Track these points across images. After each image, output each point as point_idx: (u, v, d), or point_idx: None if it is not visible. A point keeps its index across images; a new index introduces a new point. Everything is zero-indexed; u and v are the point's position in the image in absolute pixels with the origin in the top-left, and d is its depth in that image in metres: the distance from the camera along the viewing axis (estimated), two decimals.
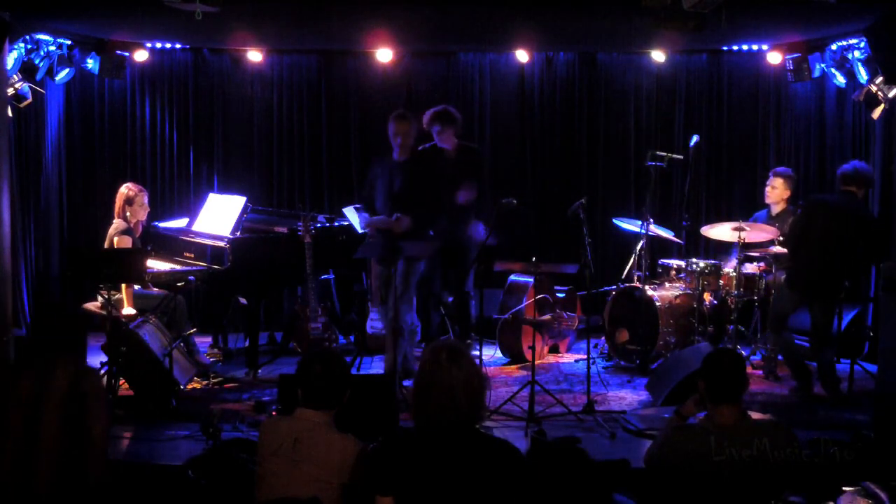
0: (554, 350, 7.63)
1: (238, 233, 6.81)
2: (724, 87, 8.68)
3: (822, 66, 7.55)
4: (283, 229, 7.00)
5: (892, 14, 5.81)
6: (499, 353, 7.39)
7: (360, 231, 6.88)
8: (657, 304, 6.89)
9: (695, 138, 7.32)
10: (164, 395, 5.73)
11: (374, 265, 6.64)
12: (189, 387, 6.23)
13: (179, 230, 7.25)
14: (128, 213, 6.84)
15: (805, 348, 6.54)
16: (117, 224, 6.81)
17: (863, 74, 6.94)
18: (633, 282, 7.34)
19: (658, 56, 8.40)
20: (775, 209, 7.17)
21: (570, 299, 7.59)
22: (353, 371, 6.34)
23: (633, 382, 6.65)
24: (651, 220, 7.25)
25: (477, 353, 6.13)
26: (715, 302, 7.06)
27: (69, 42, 7.41)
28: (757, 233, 6.76)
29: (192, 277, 6.83)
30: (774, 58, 8.00)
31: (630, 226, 7.49)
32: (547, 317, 7.28)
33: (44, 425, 3.54)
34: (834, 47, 7.33)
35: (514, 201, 6.02)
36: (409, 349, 6.39)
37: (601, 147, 8.79)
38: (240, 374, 6.70)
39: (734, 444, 3.42)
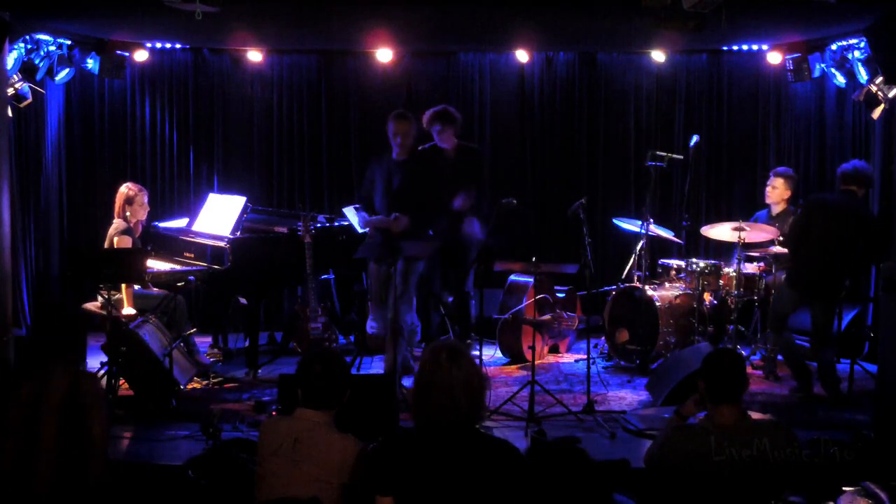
0: (554, 350, 7.63)
1: (238, 233, 6.81)
2: (724, 87, 8.68)
3: (822, 66, 7.55)
4: (283, 229, 7.00)
5: (892, 14, 5.81)
6: (499, 353, 7.39)
7: (359, 231, 6.88)
8: (657, 304, 6.89)
9: (695, 138, 7.32)
10: (164, 395, 5.73)
11: (371, 265, 6.60)
12: (189, 387, 6.23)
13: (179, 230, 7.26)
14: (128, 213, 6.84)
15: (805, 348, 6.54)
16: (117, 224, 6.81)
17: (863, 74, 6.94)
18: (633, 282, 7.34)
19: (658, 56, 8.40)
20: (776, 209, 7.17)
21: (570, 299, 7.59)
22: (353, 371, 6.33)
23: (633, 382, 6.65)
24: (651, 220, 7.25)
25: (477, 353, 6.13)
26: (715, 302, 7.06)
27: (69, 42, 7.41)
28: (757, 233, 6.77)
29: (192, 277, 6.84)
30: (774, 58, 8.00)
31: (630, 226, 7.49)
32: (547, 317, 7.28)
33: (43, 427, 3.54)
34: (834, 47, 7.33)
35: (514, 201, 6.02)
36: (409, 349, 6.40)
37: (601, 147, 8.79)
38: (240, 374, 6.70)
39: (734, 444, 3.42)
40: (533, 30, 7.56)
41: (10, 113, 6.79)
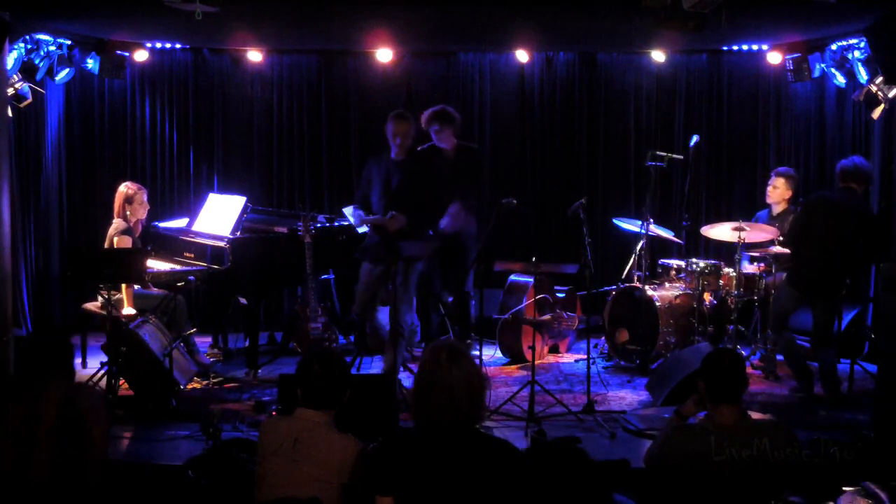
0: (554, 350, 7.63)
1: (238, 233, 6.81)
2: (724, 87, 8.68)
3: (822, 66, 7.55)
4: (283, 229, 7.00)
5: (892, 14, 5.81)
6: (499, 353, 7.39)
7: (360, 231, 6.87)
8: (657, 304, 6.89)
9: (695, 138, 7.32)
10: (164, 395, 5.73)
11: (365, 265, 6.53)
12: (189, 387, 6.23)
13: (179, 230, 7.26)
14: (128, 213, 6.84)
15: (806, 348, 6.54)
16: (117, 224, 6.81)
17: (863, 74, 6.94)
18: (633, 282, 7.34)
19: (658, 56, 8.40)
20: (776, 209, 7.18)
21: (570, 299, 7.59)
22: (353, 371, 6.33)
23: (633, 382, 6.65)
24: (651, 220, 7.25)
25: (477, 353, 6.13)
26: (715, 302, 7.06)
27: (69, 42, 7.41)
28: (757, 233, 6.76)
29: (192, 277, 6.84)
30: (774, 58, 8.00)
31: (630, 226, 7.49)
32: (547, 317, 7.28)
33: (37, 450, 3.48)
34: (834, 47, 7.33)
35: (514, 201, 6.02)
36: (409, 349, 6.40)
37: (601, 147, 8.79)
38: (240, 374, 6.70)
39: (734, 444, 3.42)
40: (533, 30, 7.56)
41: (10, 113, 6.78)
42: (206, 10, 5.25)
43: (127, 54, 7.98)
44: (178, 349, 6.12)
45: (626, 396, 6.31)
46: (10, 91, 6.87)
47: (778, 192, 7.14)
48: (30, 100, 7.25)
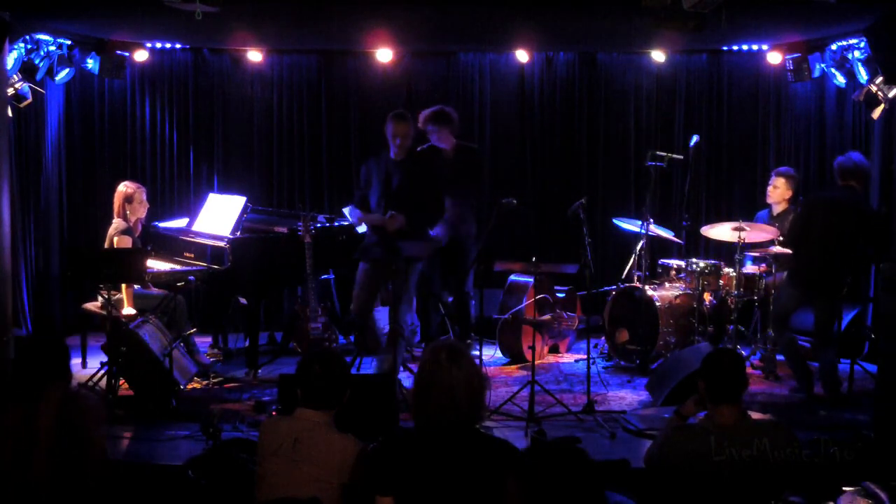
0: (554, 350, 7.63)
1: (238, 233, 6.81)
2: (724, 87, 8.68)
3: (822, 66, 7.55)
4: (283, 229, 7.00)
5: (892, 14, 5.81)
6: (499, 353, 7.39)
7: (359, 231, 6.87)
8: (657, 304, 6.89)
9: (695, 138, 7.33)
10: (164, 395, 5.73)
11: (362, 265, 6.49)
12: (189, 387, 6.23)
13: (179, 230, 7.26)
14: (127, 212, 6.84)
15: (806, 348, 6.54)
16: (117, 224, 6.81)
17: (863, 74, 6.94)
18: (633, 282, 7.34)
19: (658, 56, 8.40)
20: (777, 209, 7.18)
21: (570, 299, 7.59)
22: (353, 371, 6.33)
23: (633, 382, 6.65)
24: (651, 220, 7.25)
25: (477, 353, 6.13)
26: (715, 302, 7.06)
27: (69, 42, 7.41)
28: (757, 233, 6.77)
29: (192, 277, 6.84)
30: (774, 58, 8.00)
31: (630, 226, 7.49)
32: (547, 317, 7.28)
33: (35, 456, 3.46)
34: (834, 47, 7.33)
35: (514, 201, 6.02)
36: (408, 349, 6.39)
37: (601, 147, 8.79)
38: (240, 374, 6.70)
39: (734, 444, 3.42)
40: (533, 30, 7.56)
41: (10, 113, 6.79)
42: (206, 10, 5.25)
43: (127, 54, 7.98)
44: (177, 349, 6.12)
45: (626, 396, 6.31)
46: (10, 91, 6.87)
47: (778, 191, 7.14)
48: (30, 100, 7.25)
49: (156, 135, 8.60)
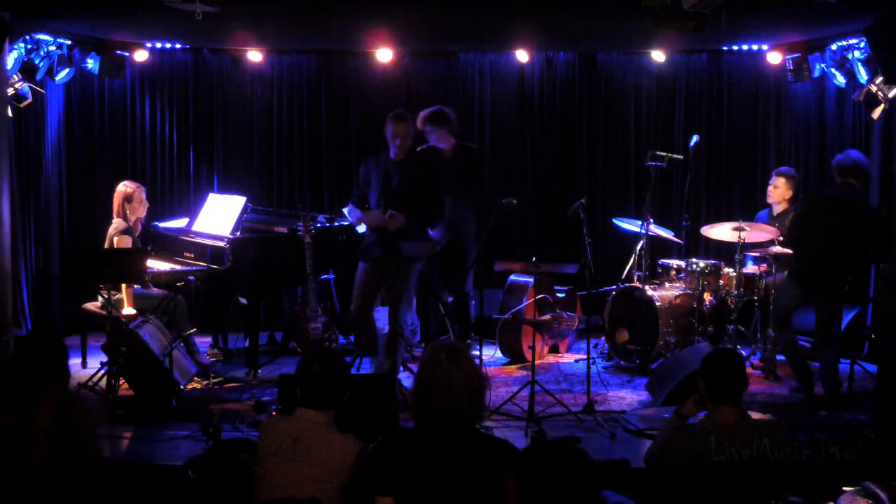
0: (554, 350, 7.63)
1: (238, 233, 6.81)
2: (724, 87, 8.68)
3: (822, 66, 7.55)
4: (283, 229, 7.00)
5: (892, 14, 5.81)
6: (499, 353, 7.39)
7: (359, 231, 6.87)
8: (657, 304, 6.89)
9: (695, 138, 7.33)
10: (164, 395, 5.73)
11: (361, 265, 6.45)
12: (189, 387, 6.23)
13: (179, 230, 7.26)
14: (127, 211, 6.84)
15: (806, 348, 6.54)
16: (117, 224, 6.81)
17: (863, 74, 6.94)
18: (633, 282, 7.34)
19: (658, 56, 8.40)
20: (777, 209, 7.17)
21: (570, 299, 7.59)
22: (353, 371, 6.33)
23: (633, 382, 6.65)
24: (651, 220, 7.25)
25: (477, 353, 6.13)
26: (715, 302, 7.06)
27: (69, 42, 7.41)
28: (757, 233, 6.77)
29: (192, 277, 6.84)
30: (774, 58, 8.00)
31: (630, 226, 7.49)
32: (547, 317, 7.28)
33: (35, 457, 3.45)
34: (834, 47, 7.33)
35: (514, 201, 6.02)
36: (408, 349, 6.39)
37: (601, 147, 8.79)
38: (240, 374, 6.70)
39: (734, 444, 3.42)
40: (533, 30, 7.56)
41: (10, 113, 6.79)
42: (206, 10, 5.25)
43: (127, 54, 7.98)
44: (177, 349, 6.12)
45: (626, 396, 6.31)
46: (10, 91, 6.87)
47: (779, 191, 7.14)
48: (30, 100, 7.25)
49: (156, 135, 8.60)
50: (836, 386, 6.17)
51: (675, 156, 7.45)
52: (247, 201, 7.00)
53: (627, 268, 7.58)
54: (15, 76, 6.97)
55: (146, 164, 8.57)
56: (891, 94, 6.72)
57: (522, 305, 7.12)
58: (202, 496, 4.02)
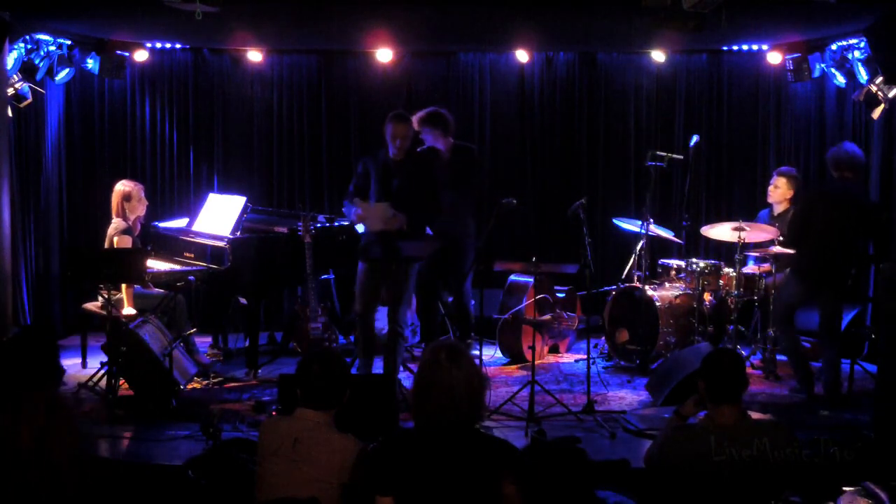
0: (554, 350, 7.63)
1: (238, 233, 6.81)
2: (724, 87, 8.68)
3: (822, 66, 7.55)
4: (283, 229, 7.00)
5: (892, 14, 5.81)
6: (499, 353, 7.39)
7: (358, 230, 6.86)
8: (657, 304, 6.89)
9: (695, 138, 7.33)
10: (164, 395, 5.73)
11: (360, 265, 6.37)
12: (189, 387, 6.22)
13: (179, 230, 7.26)
14: (126, 211, 6.84)
15: (807, 348, 6.54)
16: (117, 224, 6.81)
17: (863, 74, 6.94)
18: (633, 282, 7.34)
19: (658, 56, 8.40)
20: (778, 209, 7.17)
21: (570, 299, 7.59)
22: (353, 371, 6.33)
23: (633, 382, 6.65)
24: (651, 220, 7.25)
25: (477, 353, 6.13)
26: (715, 302, 7.06)
27: (69, 42, 7.42)
28: (757, 233, 6.77)
29: (192, 277, 6.84)
30: (774, 58, 8.01)
31: (630, 226, 7.49)
32: (547, 317, 7.28)
33: (17, 465, 3.43)
34: (834, 47, 7.33)
35: (514, 201, 6.01)
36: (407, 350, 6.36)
37: (601, 147, 8.79)
38: (240, 374, 6.70)
39: (734, 444, 3.42)
40: (533, 30, 7.56)
41: (10, 113, 6.80)
42: (206, 10, 5.25)
43: (127, 54, 7.98)
44: (177, 349, 6.12)
45: (626, 396, 6.31)
46: (10, 91, 6.88)
47: (779, 191, 7.14)
48: (30, 100, 7.25)
49: (156, 135, 8.60)
50: (837, 387, 6.16)
51: (675, 156, 7.45)
52: (247, 201, 7.00)
53: (627, 268, 7.58)
54: (15, 76, 6.97)
55: (146, 164, 8.57)
56: (891, 94, 6.73)
57: (522, 305, 7.12)
58: (202, 496, 4.02)
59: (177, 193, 8.64)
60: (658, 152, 7.37)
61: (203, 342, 7.32)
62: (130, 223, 6.85)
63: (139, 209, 6.92)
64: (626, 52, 8.68)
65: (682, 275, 7.19)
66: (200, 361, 6.76)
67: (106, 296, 5.97)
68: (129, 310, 6.52)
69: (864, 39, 6.64)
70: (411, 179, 6.22)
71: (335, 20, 7.04)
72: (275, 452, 3.44)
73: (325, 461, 3.38)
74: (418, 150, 6.82)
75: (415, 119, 6.80)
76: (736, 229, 6.62)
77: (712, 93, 8.71)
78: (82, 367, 6.84)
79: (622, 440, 5.36)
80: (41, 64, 7.16)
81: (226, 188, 8.12)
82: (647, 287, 7.05)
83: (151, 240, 7.19)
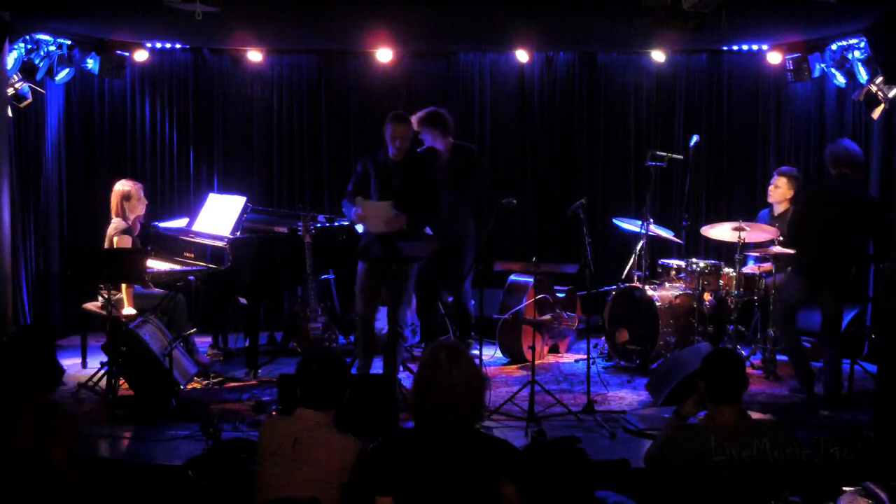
0: (554, 350, 7.63)
1: (238, 233, 6.81)
2: (724, 87, 8.68)
3: (822, 66, 7.55)
4: (283, 229, 7.00)
5: (892, 14, 5.81)
6: (499, 353, 7.39)
7: (358, 230, 6.86)
8: (657, 304, 6.89)
9: (695, 138, 7.33)
10: (164, 395, 5.73)
11: (360, 264, 6.33)
12: (189, 387, 6.22)
13: (179, 230, 7.26)
14: (126, 210, 6.84)
15: (807, 348, 6.53)
16: (116, 223, 6.81)
17: (863, 74, 6.94)
18: (633, 282, 7.34)
19: (658, 56, 8.40)
20: (778, 209, 7.17)
21: (570, 299, 7.59)
22: (353, 371, 6.33)
23: (633, 382, 6.65)
24: (651, 220, 7.25)
25: (477, 352, 6.13)
26: (715, 302, 7.06)
27: (69, 42, 7.42)
28: (757, 233, 6.77)
29: (192, 277, 6.83)
30: (774, 58, 8.00)
31: (630, 226, 7.49)
32: (547, 317, 7.28)
33: (11, 470, 3.42)
34: (834, 47, 7.33)
35: (514, 201, 6.01)
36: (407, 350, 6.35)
37: (601, 147, 8.79)
38: (240, 374, 6.70)
39: (734, 444, 3.42)
40: (533, 30, 7.56)
41: (10, 113, 6.80)
42: (206, 10, 5.26)
43: (127, 54, 7.98)
44: (177, 349, 6.11)
45: (626, 396, 6.31)
46: (10, 91, 6.87)
47: (780, 191, 7.13)
48: (30, 100, 7.25)
49: (156, 135, 8.60)
50: (838, 387, 6.15)
51: (675, 156, 7.45)
52: (247, 201, 7.00)
53: (627, 268, 7.58)
54: (15, 76, 6.97)
55: (146, 164, 8.57)
56: (891, 94, 6.72)
57: (522, 305, 7.12)
58: (202, 496, 4.02)
59: (177, 193, 8.64)
60: (658, 152, 7.37)
61: (203, 342, 7.32)
62: (130, 223, 6.85)
63: (139, 208, 6.92)
64: (626, 52, 8.68)
65: (682, 275, 7.19)
66: (200, 361, 6.76)
67: (106, 296, 5.97)
68: (129, 310, 6.52)
69: (864, 39, 6.64)
70: (411, 180, 6.21)
71: (335, 20, 7.04)
72: (275, 452, 3.44)
73: (325, 461, 3.38)
74: (419, 150, 6.82)
75: (414, 119, 6.80)
76: (736, 229, 6.62)
77: (712, 93, 8.70)
78: (82, 367, 6.84)
79: (622, 440, 5.36)
80: (41, 64, 7.16)
81: (226, 188, 8.12)
82: (647, 287, 7.05)
83: (151, 240, 7.19)
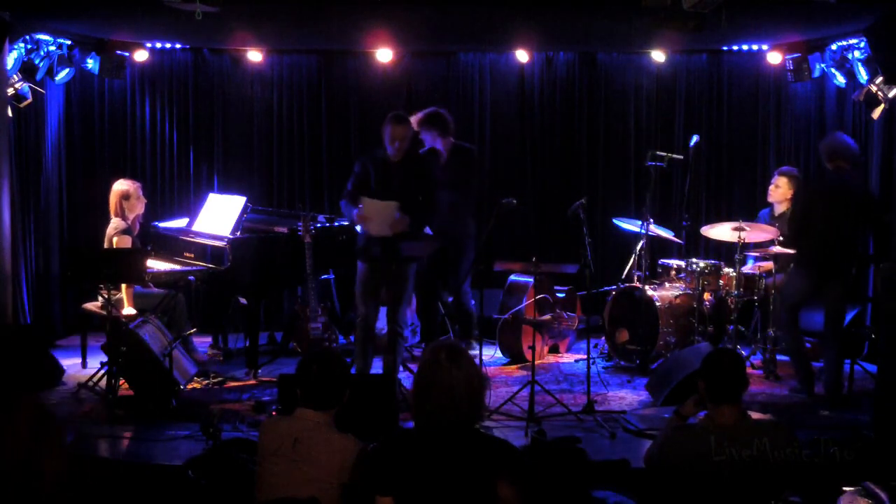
0: (554, 350, 7.63)
1: (238, 233, 6.81)
2: (724, 87, 8.68)
3: (822, 66, 7.55)
4: (283, 229, 7.00)
5: (892, 14, 5.81)
6: (499, 353, 7.39)
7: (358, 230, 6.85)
8: (657, 304, 6.89)
9: (695, 138, 7.33)
10: (164, 395, 5.73)
11: (360, 264, 6.29)
12: (189, 387, 6.22)
13: (179, 230, 7.26)
14: (125, 210, 6.84)
15: (808, 348, 6.53)
16: (116, 223, 6.81)
17: (863, 74, 6.94)
18: (633, 282, 7.34)
19: (658, 56, 8.40)
20: (779, 208, 7.16)
21: (570, 299, 7.59)
22: (353, 371, 6.33)
23: (633, 382, 6.65)
24: (651, 220, 7.25)
25: (477, 352, 6.13)
26: (715, 302, 7.05)
27: (69, 42, 7.41)
28: (757, 233, 6.77)
29: (192, 277, 6.83)
30: (774, 58, 8.01)
31: (630, 226, 7.49)
32: (547, 317, 7.28)
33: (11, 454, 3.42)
34: (834, 47, 7.33)
35: (514, 201, 6.01)
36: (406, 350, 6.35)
37: (601, 147, 8.79)
38: (240, 374, 6.70)
39: (734, 444, 3.42)
40: (533, 30, 7.56)
41: (10, 113, 6.79)
42: (206, 10, 5.26)
43: (127, 54, 7.98)
44: (177, 349, 6.12)
45: (626, 396, 6.31)
46: (10, 91, 6.87)
47: (780, 191, 7.13)
48: (30, 100, 7.25)
49: (156, 135, 8.60)
50: (838, 387, 6.15)
51: (675, 156, 7.45)
52: (247, 201, 7.00)
53: (627, 268, 7.58)
54: (15, 76, 6.97)
55: (146, 164, 8.57)
56: (891, 94, 6.72)
57: (522, 305, 7.12)
58: (202, 496, 4.02)
59: (177, 193, 8.64)
60: (658, 152, 7.37)
61: (203, 342, 7.32)
62: (129, 222, 6.85)
63: (138, 208, 6.92)
64: (626, 52, 8.68)
65: (682, 275, 7.19)
66: (199, 360, 6.76)
67: (106, 296, 5.97)
68: (129, 310, 6.52)
69: (864, 39, 6.64)
70: (410, 180, 6.21)
71: (335, 20, 7.04)
72: (275, 452, 3.44)
73: (325, 461, 3.39)
74: (421, 151, 6.82)
75: (414, 120, 6.79)
76: (736, 229, 6.62)
77: (712, 93, 8.71)
78: (82, 367, 6.84)
79: (622, 440, 5.36)
80: (41, 64, 7.16)
81: (226, 188, 8.12)
82: (647, 287, 7.05)
83: (151, 240, 7.19)
